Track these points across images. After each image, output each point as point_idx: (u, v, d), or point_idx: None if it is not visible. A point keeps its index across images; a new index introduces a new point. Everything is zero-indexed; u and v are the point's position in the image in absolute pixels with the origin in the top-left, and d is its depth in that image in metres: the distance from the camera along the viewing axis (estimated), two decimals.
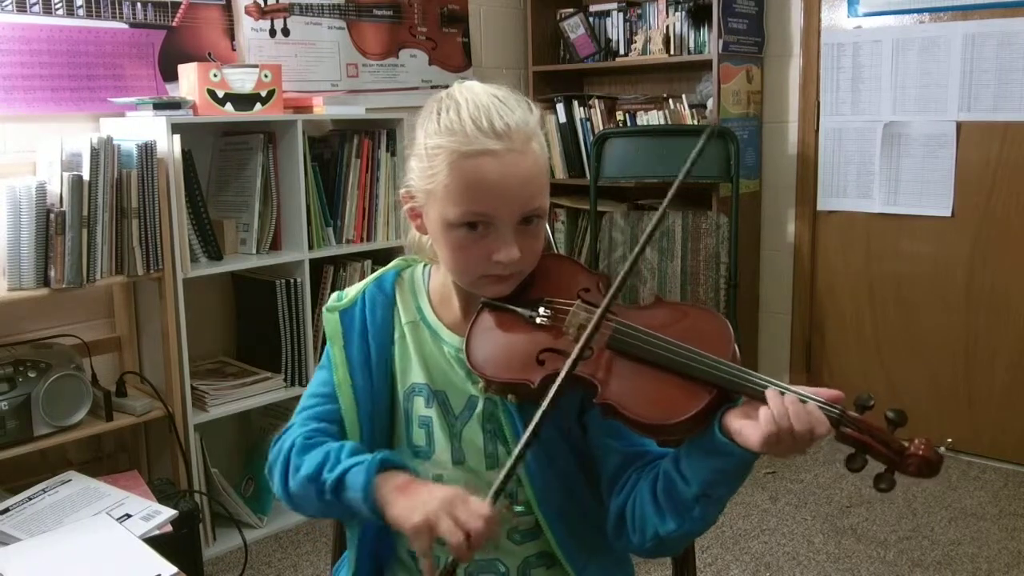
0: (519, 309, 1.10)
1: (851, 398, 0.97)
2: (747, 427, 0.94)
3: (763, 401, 0.95)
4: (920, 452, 0.94)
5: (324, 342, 1.22)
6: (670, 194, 1.07)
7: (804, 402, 0.94)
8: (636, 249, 1.04)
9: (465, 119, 1.03)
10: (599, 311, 1.01)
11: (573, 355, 1.00)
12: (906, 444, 0.95)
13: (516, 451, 0.97)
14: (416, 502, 0.99)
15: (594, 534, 1.15)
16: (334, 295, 1.22)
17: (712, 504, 1.01)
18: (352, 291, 1.21)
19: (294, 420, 1.20)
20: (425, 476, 1.15)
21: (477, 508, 0.96)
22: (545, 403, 0.98)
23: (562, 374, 0.99)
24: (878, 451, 0.95)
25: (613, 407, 0.99)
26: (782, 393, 0.95)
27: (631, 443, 1.10)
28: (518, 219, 1.05)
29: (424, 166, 1.07)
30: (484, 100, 1.06)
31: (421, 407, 1.16)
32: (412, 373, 1.16)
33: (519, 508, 1.11)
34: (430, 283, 1.21)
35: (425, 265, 1.23)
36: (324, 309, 1.21)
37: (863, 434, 0.95)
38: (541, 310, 1.09)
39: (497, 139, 1.03)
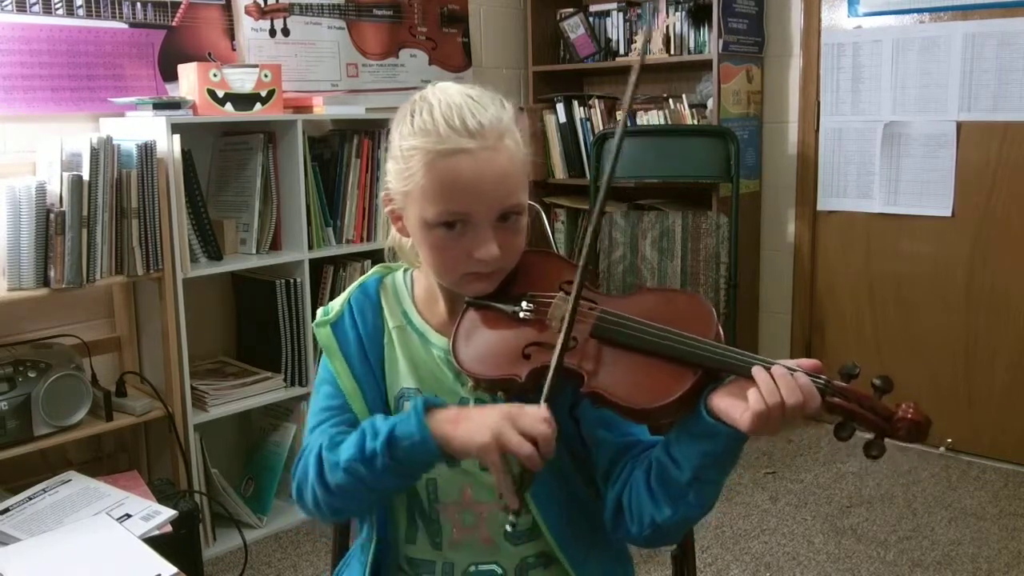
0: (502, 305, 1.10)
1: (839, 370, 0.98)
2: (735, 407, 0.94)
3: (748, 377, 0.95)
4: (909, 415, 0.94)
5: (320, 355, 1.20)
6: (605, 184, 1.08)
7: (792, 372, 0.94)
8: (591, 227, 1.05)
9: (438, 119, 1.04)
10: (572, 298, 1.02)
11: (557, 350, 1.00)
12: (894, 409, 0.95)
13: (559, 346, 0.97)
14: (476, 425, 0.99)
15: (592, 530, 1.15)
16: (320, 311, 1.21)
17: (706, 488, 1.01)
18: (337, 303, 1.21)
19: (309, 438, 1.16)
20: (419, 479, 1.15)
21: (536, 414, 0.97)
22: (543, 399, 0.99)
23: (551, 372, 0.99)
24: (866, 418, 0.95)
25: (600, 395, 1.00)
26: (767, 368, 0.94)
27: (623, 433, 1.11)
28: (496, 216, 1.05)
29: (400, 168, 1.08)
30: (457, 100, 1.06)
31: None
32: (401, 378, 1.16)
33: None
34: (415, 286, 1.21)
35: (406, 270, 1.23)
36: (314, 326, 1.20)
37: (850, 402, 0.95)
38: (524, 304, 1.09)
39: (470, 137, 1.03)
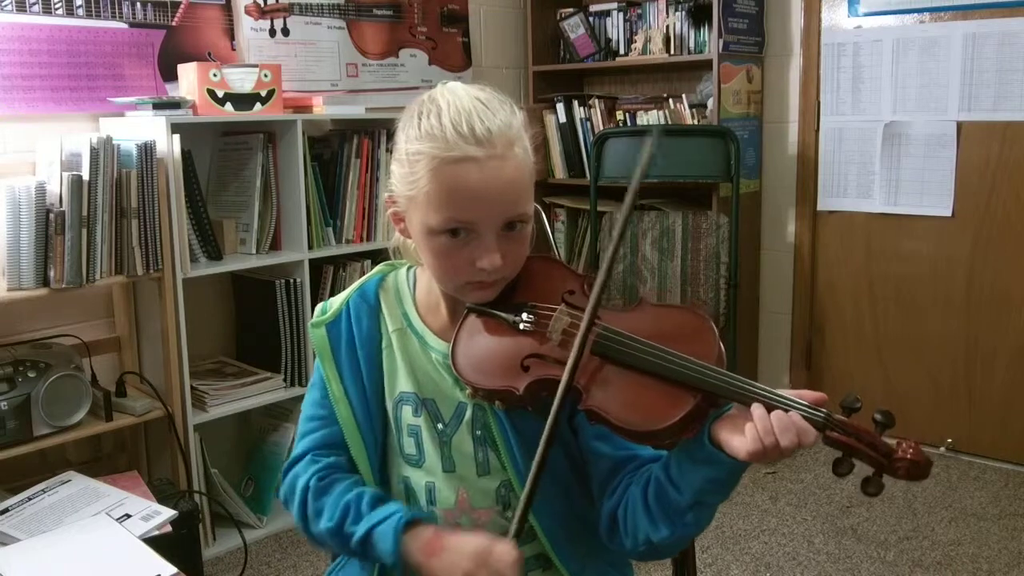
0: (503, 314, 1.09)
1: (840, 403, 0.96)
2: (734, 440, 0.93)
3: (748, 406, 0.94)
4: (908, 455, 0.92)
5: (315, 357, 1.21)
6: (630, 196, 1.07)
7: (787, 410, 0.92)
8: (609, 251, 1.03)
9: (446, 124, 1.01)
10: (579, 336, 0.99)
11: (565, 377, 0.98)
12: (894, 447, 0.93)
13: (528, 485, 0.99)
14: (447, 567, 1.01)
15: (590, 536, 1.15)
16: (318, 308, 1.21)
17: (705, 510, 1.01)
18: (336, 302, 1.20)
19: (298, 448, 1.20)
20: (417, 483, 1.16)
21: (506, 557, 0.98)
22: (548, 426, 0.98)
23: (559, 395, 0.98)
24: (865, 454, 0.93)
25: (598, 413, 0.99)
26: (770, 408, 0.93)
27: (621, 447, 1.09)
28: (501, 226, 1.04)
29: (405, 172, 1.05)
30: (466, 104, 1.03)
31: (409, 416, 1.15)
32: (400, 382, 1.15)
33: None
34: (416, 288, 1.20)
35: (409, 268, 1.22)
36: (310, 325, 1.20)
37: (850, 437, 0.93)
38: (525, 315, 1.08)
39: (478, 145, 1.00)
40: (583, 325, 1.00)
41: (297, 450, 1.20)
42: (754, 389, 0.95)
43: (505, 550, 0.98)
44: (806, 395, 0.95)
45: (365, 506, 1.10)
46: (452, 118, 1.02)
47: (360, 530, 1.08)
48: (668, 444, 1.01)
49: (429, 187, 1.02)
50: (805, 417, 0.93)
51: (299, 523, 1.18)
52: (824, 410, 0.94)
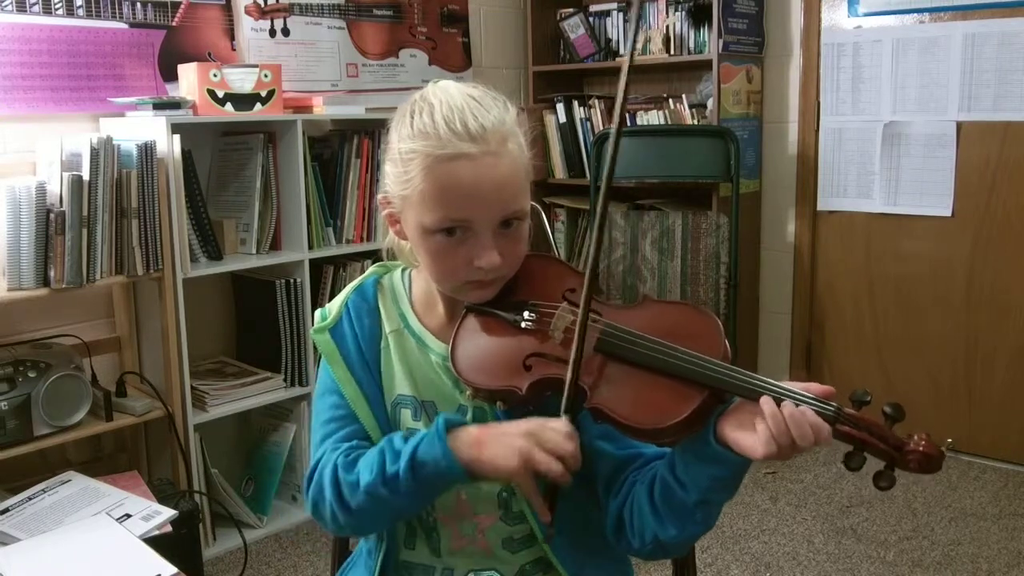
0: (503, 313, 1.07)
1: (849, 396, 0.95)
2: (744, 439, 0.92)
3: (756, 401, 0.93)
4: (921, 447, 0.91)
5: (319, 359, 1.19)
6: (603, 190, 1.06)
7: (797, 405, 0.91)
8: (593, 241, 1.02)
9: (438, 122, 1.00)
10: (578, 324, 0.98)
11: (569, 376, 0.97)
12: (905, 439, 0.92)
13: (574, 352, 0.97)
14: (502, 448, 0.98)
15: (590, 537, 1.14)
16: (318, 314, 1.19)
17: (712, 508, 1.00)
18: (334, 306, 1.18)
19: (319, 452, 1.14)
20: None
21: (560, 430, 0.96)
22: (563, 411, 0.98)
23: (567, 387, 0.97)
24: (877, 447, 0.92)
25: (603, 411, 0.97)
26: (778, 401, 0.91)
27: (625, 446, 1.08)
28: (497, 223, 1.03)
29: (399, 171, 1.04)
30: (458, 101, 1.02)
31: (409, 419, 1.13)
32: (397, 384, 1.14)
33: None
34: (413, 288, 1.18)
35: (404, 269, 1.21)
36: (312, 331, 1.18)
37: (861, 431, 0.92)
38: (526, 313, 1.06)
39: (472, 142, 0.99)
40: (580, 319, 0.99)
41: (317, 455, 1.15)
42: (763, 384, 0.94)
43: (557, 425, 0.97)
44: (813, 388, 0.94)
45: (399, 442, 1.05)
46: (445, 115, 1.01)
47: (403, 461, 1.02)
48: (672, 441, 1.00)
49: (423, 186, 1.01)
50: (816, 411, 0.91)
51: (338, 510, 1.08)
52: (834, 404, 0.93)
